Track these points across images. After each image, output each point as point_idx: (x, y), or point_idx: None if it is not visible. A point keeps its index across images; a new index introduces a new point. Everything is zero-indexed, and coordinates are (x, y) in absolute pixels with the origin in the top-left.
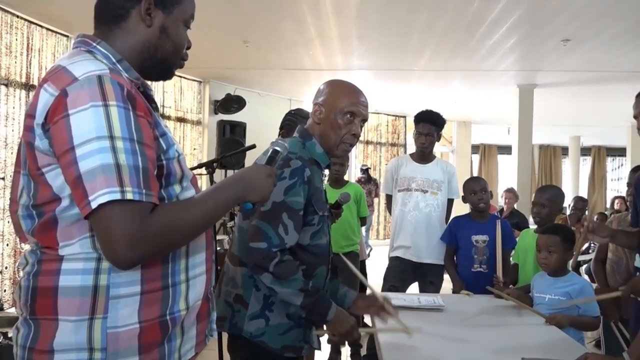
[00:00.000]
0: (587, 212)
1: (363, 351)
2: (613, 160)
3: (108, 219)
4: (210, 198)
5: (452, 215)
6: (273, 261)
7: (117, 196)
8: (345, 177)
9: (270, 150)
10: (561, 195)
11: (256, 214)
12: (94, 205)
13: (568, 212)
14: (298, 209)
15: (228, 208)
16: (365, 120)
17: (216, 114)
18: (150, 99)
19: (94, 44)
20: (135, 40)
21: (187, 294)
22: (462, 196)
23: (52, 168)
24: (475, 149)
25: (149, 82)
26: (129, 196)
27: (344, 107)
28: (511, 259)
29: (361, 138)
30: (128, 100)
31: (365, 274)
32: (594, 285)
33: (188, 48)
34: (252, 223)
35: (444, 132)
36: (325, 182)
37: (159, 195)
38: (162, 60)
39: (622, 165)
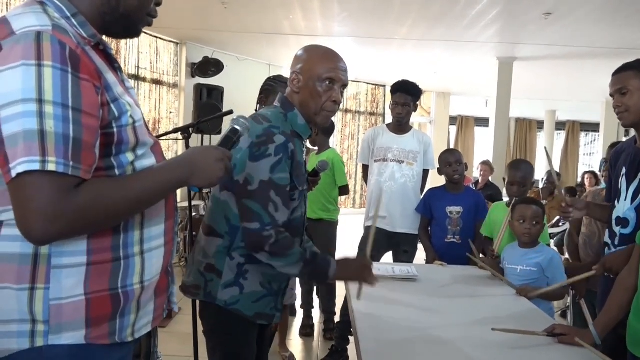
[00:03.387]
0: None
1: (336, 318)
2: (586, 135)
3: (24, 190)
4: (149, 178)
5: (428, 186)
6: (269, 241)
7: (36, 166)
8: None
9: (229, 129)
10: (533, 170)
11: (244, 193)
12: (13, 173)
13: (541, 185)
14: (285, 185)
15: (169, 191)
16: (345, 85)
17: (193, 77)
18: (111, 58)
19: None
20: None
21: (143, 267)
22: (438, 168)
23: None
24: (453, 120)
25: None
26: (51, 167)
27: (322, 73)
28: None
29: (340, 106)
30: (69, 62)
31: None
32: (563, 257)
33: (158, 4)
34: (241, 202)
35: (422, 102)
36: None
37: (108, 163)
38: (125, 16)
39: (594, 140)
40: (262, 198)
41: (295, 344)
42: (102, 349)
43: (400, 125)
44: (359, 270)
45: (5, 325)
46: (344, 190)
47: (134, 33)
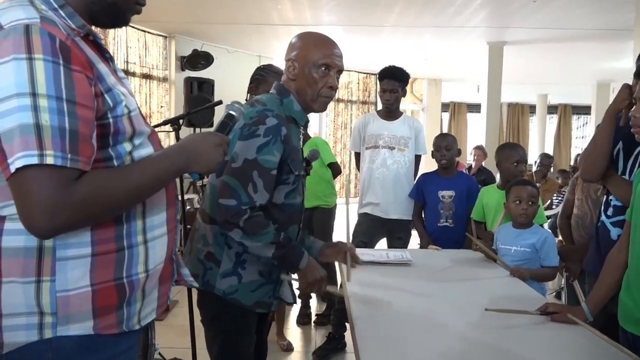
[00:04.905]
0: (552, 169)
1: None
2: (578, 118)
3: (25, 184)
4: (149, 167)
5: (421, 171)
6: (243, 217)
7: (34, 160)
8: (315, 133)
9: (224, 115)
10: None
11: (226, 169)
12: (12, 169)
13: (534, 168)
14: (269, 168)
15: (169, 179)
16: (340, 71)
17: (183, 70)
18: (102, 48)
19: None
20: None
21: (147, 256)
22: (432, 151)
23: None
24: (445, 107)
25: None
26: (49, 160)
27: (317, 59)
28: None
29: None
30: (60, 53)
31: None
32: (557, 239)
33: None
34: (222, 178)
35: (414, 89)
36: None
37: (106, 154)
38: (112, 4)
39: (586, 123)
40: (244, 177)
41: (292, 332)
42: (110, 338)
43: (390, 112)
44: (317, 279)
45: (13, 319)
46: (335, 168)
47: (122, 22)
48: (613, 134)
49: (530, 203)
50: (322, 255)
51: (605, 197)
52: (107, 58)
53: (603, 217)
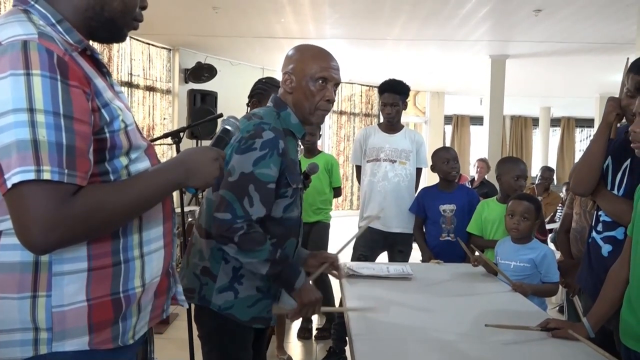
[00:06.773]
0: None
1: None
2: (582, 131)
3: (21, 200)
4: (146, 182)
5: (422, 184)
6: (238, 232)
7: (31, 176)
8: (318, 147)
9: (220, 130)
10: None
11: (223, 183)
12: (9, 184)
13: (536, 181)
14: (266, 181)
15: (166, 193)
16: (337, 84)
17: (186, 82)
18: (99, 63)
19: (32, 2)
20: None
21: (143, 270)
22: (431, 165)
23: None
24: (448, 119)
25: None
26: (46, 176)
27: (315, 73)
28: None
29: (335, 108)
30: (58, 69)
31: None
32: (557, 254)
33: (143, 8)
34: (219, 192)
35: (417, 102)
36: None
37: (102, 168)
38: (110, 20)
39: (590, 136)
40: (239, 190)
41: (293, 346)
42: (106, 353)
43: (392, 125)
44: (312, 301)
45: (8, 335)
46: (338, 191)
47: (119, 37)
48: (606, 148)
49: (523, 218)
50: (306, 266)
51: (595, 212)
52: (104, 73)
53: (594, 234)
